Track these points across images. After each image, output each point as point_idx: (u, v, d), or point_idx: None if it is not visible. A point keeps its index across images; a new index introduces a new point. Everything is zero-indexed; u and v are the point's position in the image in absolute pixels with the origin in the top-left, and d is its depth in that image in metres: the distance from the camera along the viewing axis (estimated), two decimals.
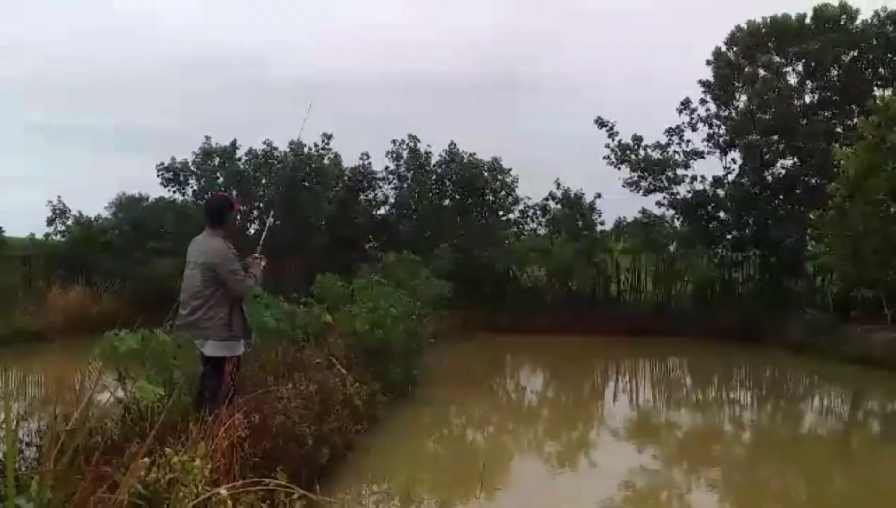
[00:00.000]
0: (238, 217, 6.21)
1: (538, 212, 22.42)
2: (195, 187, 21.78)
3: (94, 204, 30.32)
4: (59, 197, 20.18)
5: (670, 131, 21.30)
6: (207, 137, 21.86)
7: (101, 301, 17.16)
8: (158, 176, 21.54)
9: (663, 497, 6.55)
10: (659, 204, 21.42)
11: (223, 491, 3.67)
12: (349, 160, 22.37)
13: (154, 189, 21.82)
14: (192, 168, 21.73)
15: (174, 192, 21.79)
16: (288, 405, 5.90)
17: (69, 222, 20.15)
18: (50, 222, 20.05)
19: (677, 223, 21.67)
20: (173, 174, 21.62)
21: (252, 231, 20.85)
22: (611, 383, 14.00)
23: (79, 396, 5.26)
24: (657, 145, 21.23)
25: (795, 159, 20.77)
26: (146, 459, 3.65)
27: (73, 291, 17.40)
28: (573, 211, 21.43)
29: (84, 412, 4.20)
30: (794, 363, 15.53)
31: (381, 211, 22.84)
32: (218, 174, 21.74)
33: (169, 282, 16.99)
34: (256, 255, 5.90)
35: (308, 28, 48.28)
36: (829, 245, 15.91)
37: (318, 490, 4.74)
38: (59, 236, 20.08)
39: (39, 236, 19.82)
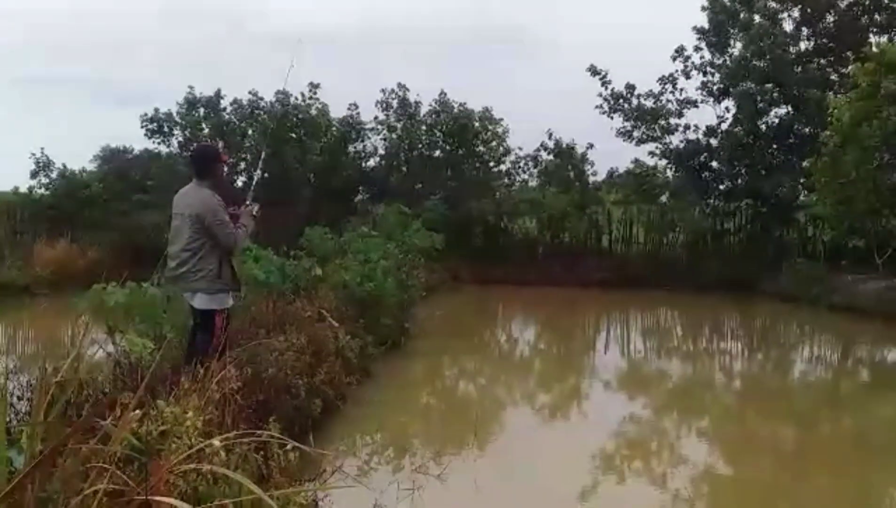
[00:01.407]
0: (226, 169, 6.01)
1: (529, 163, 22.25)
2: (180, 138, 21.49)
3: (78, 157, 29.94)
4: (42, 150, 19.85)
5: (664, 80, 21.03)
6: (191, 87, 21.52)
7: (88, 254, 16.99)
8: (142, 127, 21.23)
9: (654, 447, 6.59)
10: (651, 154, 21.32)
11: (216, 443, 3.62)
12: (337, 111, 22.07)
13: (138, 141, 21.51)
14: (176, 119, 21.38)
15: (159, 143, 21.53)
16: (280, 358, 5.85)
17: (53, 175, 19.84)
18: (34, 175, 19.74)
19: (669, 174, 21.58)
20: (157, 125, 21.29)
21: (240, 183, 20.63)
22: (602, 333, 14.06)
23: (68, 349, 5.20)
24: (650, 94, 20.99)
25: (789, 108, 20.59)
26: (138, 411, 3.59)
27: (60, 244, 17.21)
28: (565, 162, 21.27)
29: (74, 366, 4.14)
30: (784, 313, 15.63)
31: (371, 162, 22.63)
32: (203, 125, 21.43)
33: (155, 234, 16.92)
34: (248, 203, 5.75)
35: None
36: (821, 193, 15.88)
37: (311, 441, 4.72)
38: (43, 190, 19.79)
39: (23, 189, 19.53)
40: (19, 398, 4.67)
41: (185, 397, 4.21)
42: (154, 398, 3.99)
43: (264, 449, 4.08)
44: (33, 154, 19.68)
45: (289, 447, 4.07)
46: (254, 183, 6.26)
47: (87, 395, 4.43)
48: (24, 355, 9.38)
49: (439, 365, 9.96)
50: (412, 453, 5.98)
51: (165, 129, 21.32)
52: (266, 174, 19.76)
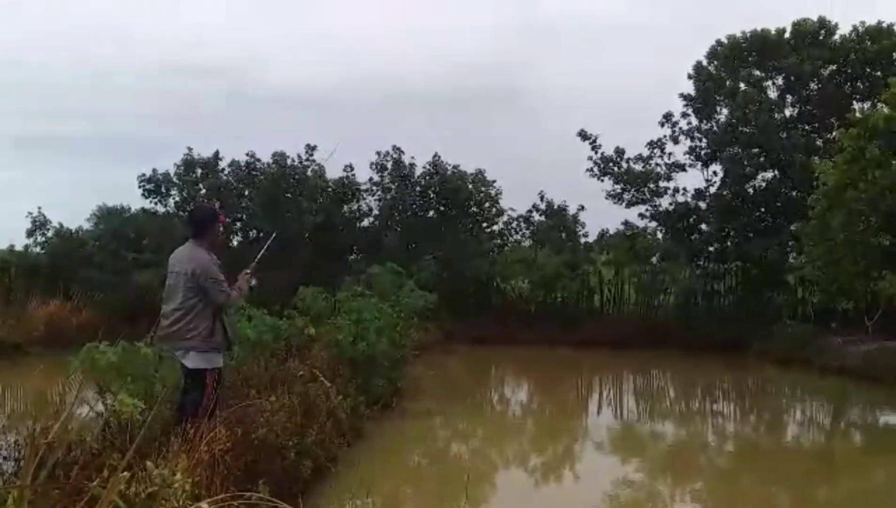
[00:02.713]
0: (223, 229, 6.10)
1: (522, 224, 22.51)
2: (177, 199, 21.68)
3: (75, 215, 30.10)
4: (39, 208, 20.04)
5: (652, 144, 21.47)
6: (190, 148, 21.84)
7: (82, 313, 16.96)
8: (140, 187, 21.44)
9: None
10: (641, 216, 21.60)
11: (205, 506, 3.62)
12: (333, 172, 22.37)
13: (136, 200, 21.72)
14: (173, 180, 21.63)
15: (155, 203, 21.70)
16: (270, 418, 5.84)
17: (49, 234, 19.96)
18: (30, 233, 19.87)
19: (660, 235, 21.82)
20: (155, 186, 21.51)
21: (235, 243, 20.77)
22: (595, 395, 14.01)
23: (59, 409, 5.20)
24: (639, 158, 21.40)
25: (776, 172, 20.99)
26: (126, 473, 3.59)
27: (54, 303, 17.19)
28: (556, 223, 21.51)
29: (64, 426, 4.14)
30: (775, 375, 15.63)
31: (365, 223, 22.81)
32: (200, 186, 21.65)
33: (149, 294, 16.92)
34: (248, 271, 5.86)
35: (290, 40, 48.37)
36: (810, 256, 16.07)
37: (301, 504, 4.69)
38: (38, 248, 19.87)
39: (19, 247, 19.62)
40: (5, 459, 4.65)
41: (174, 458, 4.21)
42: (143, 460, 3.99)
43: None
44: (30, 213, 19.87)
45: None
46: (263, 249, 6.39)
47: (76, 456, 4.41)
48: (14, 414, 9.30)
49: (431, 426, 9.89)
50: None
51: (163, 189, 21.56)
52: (262, 234, 20.01)
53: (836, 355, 15.16)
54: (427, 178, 22.07)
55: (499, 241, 22.68)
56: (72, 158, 43.33)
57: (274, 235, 7.94)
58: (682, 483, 7.62)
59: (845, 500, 7.12)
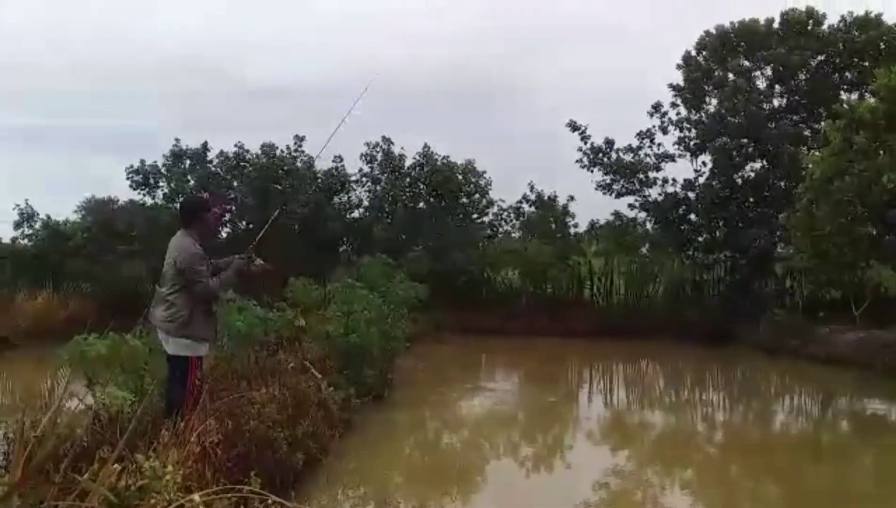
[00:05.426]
0: (220, 219, 6.04)
1: (512, 214, 22.52)
2: (165, 190, 21.55)
3: (64, 206, 29.80)
4: (26, 200, 19.89)
5: (641, 135, 21.50)
6: (177, 140, 21.70)
7: (70, 305, 16.87)
8: (128, 179, 21.31)
9: (637, 498, 6.59)
10: (631, 206, 21.65)
11: (196, 498, 3.61)
12: (322, 163, 22.28)
13: (124, 192, 21.59)
14: (162, 171, 21.50)
15: (144, 195, 21.57)
16: (261, 410, 5.83)
17: (37, 226, 19.81)
18: (17, 225, 19.71)
19: (649, 226, 21.88)
20: (143, 177, 21.39)
21: (225, 234, 20.69)
22: (585, 384, 14.06)
23: (48, 402, 5.17)
24: (629, 148, 21.43)
25: (764, 162, 21.06)
26: (116, 465, 3.58)
27: (41, 295, 17.09)
28: (546, 213, 21.54)
29: (53, 419, 4.12)
30: (764, 364, 15.72)
31: (355, 214, 22.77)
32: (189, 177, 21.54)
33: (138, 285, 16.85)
34: (243, 256, 5.86)
35: (283, 32, 48.07)
36: (797, 247, 16.15)
37: (292, 495, 4.70)
38: (26, 240, 19.74)
39: (6, 240, 19.47)
40: None
41: (164, 450, 4.20)
42: (133, 452, 3.98)
43: (245, 504, 4.06)
44: (17, 205, 19.71)
45: (270, 502, 4.05)
46: (266, 226, 6.52)
47: (66, 449, 4.39)
48: (2, 407, 9.25)
49: (422, 417, 9.91)
50: (394, 506, 5.94)
51: (151, 180, 21.42)
52: (251, 226, 19.93)
53: (824, 344, 15.26)
54: (417, 169, 22.04)
55: (489, 232, 22.69)
56: (59, 151, 42.94)
57: (277, 212, 7.93)
58: (672, 473, 7.66)
59: (834, 488, 7.18)
